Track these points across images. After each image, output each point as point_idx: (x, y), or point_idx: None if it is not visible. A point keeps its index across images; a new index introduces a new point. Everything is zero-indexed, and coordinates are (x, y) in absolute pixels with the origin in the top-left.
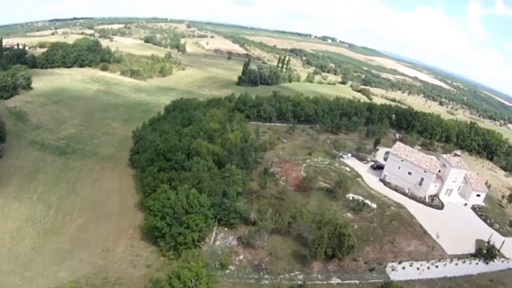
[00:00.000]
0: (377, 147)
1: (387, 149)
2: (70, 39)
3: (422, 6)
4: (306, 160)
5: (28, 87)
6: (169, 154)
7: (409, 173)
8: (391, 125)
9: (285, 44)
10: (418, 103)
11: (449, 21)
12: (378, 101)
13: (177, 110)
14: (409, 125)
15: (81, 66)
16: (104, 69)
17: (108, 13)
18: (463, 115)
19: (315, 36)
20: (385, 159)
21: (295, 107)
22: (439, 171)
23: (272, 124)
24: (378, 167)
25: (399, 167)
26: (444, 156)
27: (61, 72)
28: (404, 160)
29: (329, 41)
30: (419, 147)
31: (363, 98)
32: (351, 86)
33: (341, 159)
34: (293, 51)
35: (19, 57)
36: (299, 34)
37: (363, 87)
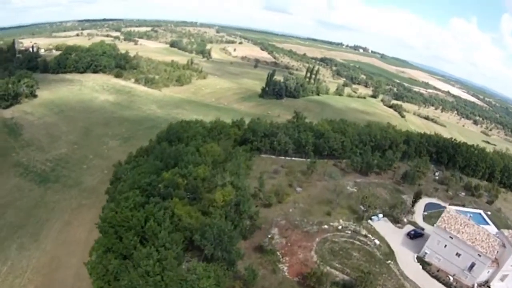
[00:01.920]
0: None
1: (427, 199)
2: (94, 41)
3: (454, 18)
4: (323, 225)
5: (31, 95)
6: (120, 230)
7: (458, 255)
8: (430, 158)
9: (316, 53)
10: (452, 121)
11: (481, 34)
12: (411, 119)
13: (171, 137)
14: (450, 160)
15: (95, 71)
16: (118, 75)
17: (138, 15)
18: (497, 136)
19: (347, 46)
20: (425, 217)
21: (318, 138)
22: (497, 252)
23: (288, 158)
24: (416, 235)
25: (446, 245)
26: (505, 232)
27: (72, 78)
28: (453, 238)
29: (361, 50)
30: (463, 194)
31: (396, 118)
32: (382, 100)
33: (369, 221)
34: (323, 60)
35: (30, 61)
36: (330, 43)
37: (395, 102)
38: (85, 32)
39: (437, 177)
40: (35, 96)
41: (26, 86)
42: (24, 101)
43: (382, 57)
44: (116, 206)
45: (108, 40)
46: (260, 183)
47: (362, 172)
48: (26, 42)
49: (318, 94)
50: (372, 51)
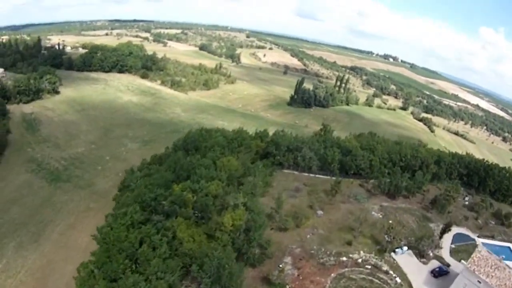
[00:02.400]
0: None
1: (455, 229)
2: (123, 41)
3: (483, 27)
4: (341, 256)
5: (53, 91)
6: (112, 249)
7: None
8: (460, 181)
9: (346, 61)
10: (481, 137)
11: (509, 45)
12: (440, 134)
13: (189, 146)
14: (481, 183)
15: (120, 71)
16: (143, 76)
17: (169, 17)
18: None
19: (377, 54)
20: (452, 251)
21: (344, 155)
22: None
23: (311, 175)
24: (441, 273)
25: None
26: None
27: (97, 76)
28: (482, 282)
29: (391, 60)
30: (492, 223)
31: (426, 133)
32: (412, 113)
33: (392, 254)
34: (353, 69)
35: (55, 58)
36: (360, 51)
37: (425, 115)
38: (115, 32)
39: (466, 202)
40: (57, 92)
41: (48, 83)
42: (46, 97)
43: (412, 67)
44: (113, 221)
45: (137, 41)
46: (278, 204)
47: (389, 194)
48: (54, 39)
49: (347, 104)
50: (401, 61)
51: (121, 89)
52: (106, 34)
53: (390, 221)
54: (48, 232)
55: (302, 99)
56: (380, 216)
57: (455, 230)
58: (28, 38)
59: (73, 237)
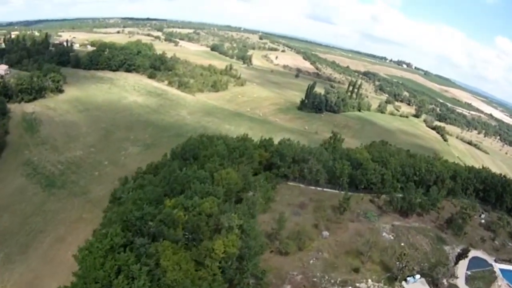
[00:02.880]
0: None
1: (472, 252)
2: (134, 40)
3: (498, 36)
4: (347, 285)
5: (57, 90)
6: (88, 277)
7: None
8: (476, 196)
9: (359, 66)
10: (495, 148)
11: None
12: (453, 143)
13: (187, 155)
14: (498, 199)
15: (127, 70)
16: (151, 76)
17: (183, 17)
18: None
19: (390, 60)
20: (468, 279)
21: (355, 168)
22: None
23: (318, 189)
24: None
25: None
26: None
27: (104, 75)
28: None
29: (404, 66)
30: (510, 244)
31: (439, 142)
32: (424, 120)
33: (403, 283)
34: (366, 74)
35: (62, 55)
36: (374, 56)
37: (438, 123)
38: (126, 30)
39: (483, 220)
40: (61, 91)
41: (52, 81)
42: (49, 95)
43: (426, 74)
44: (91, 244)
45: (148, 40)
46: (279, 225)
47: (401, 212)
48: (65, 36)
49: (359, 110)
50: (415, 67)
51: (126, 88)
52: (118, 32)
53: (402, 244)
54: (37, 243)
55: (313, 104)
56: (392, 238)
57: (471, 253)
58: (38, 34)
59: (61, 250)
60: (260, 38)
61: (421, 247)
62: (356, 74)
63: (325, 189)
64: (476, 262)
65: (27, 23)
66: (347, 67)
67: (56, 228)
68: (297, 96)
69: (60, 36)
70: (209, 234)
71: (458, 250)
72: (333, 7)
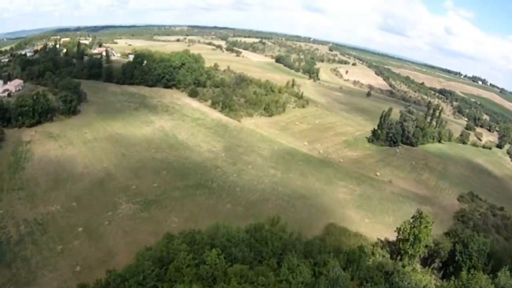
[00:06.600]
0: None
1: None
2: (195, 49)
3: None
4: None
5: (69, 112)
6: None
7: None
8: None
9: (434, 82)
10: None
11: None
12: None
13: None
14: None
15: (166, 86)
16: (191, 94)
17: (251, 26)
18: None
19: (465, 76)
20: None
21: None
22: None
23: None
24: None
25: None
26: None
27: (137, 91)
28: None
29: (479, 83)
30: None
31: None
32: (508, 153)
33: None
34: (442, 93)
35: (93, 67)
36: (448, 71)
37: None
38: (188, 38)
39: None
40: (74, 112)
41: (63, 101)
42: (58, 118)
43: (501, 92)
44: None
45: (208, 49)
46: None
47: None
48: (121, 43)
49: (439, 141)
50: (490, 84)
51: (157, 110)
52: (178, 40)
53: None
54: None
55: (387, 136)
56: None
57: None
58: (87, 42)
59: None
60: (330, 50)
61: None
62: (432, 92)
63: None
64: None
65: (95, 29)
66: (422, 83)
67: None
68: (369, 122)
69: (116, 43)
70: None
71: None
72: (405, 18)
